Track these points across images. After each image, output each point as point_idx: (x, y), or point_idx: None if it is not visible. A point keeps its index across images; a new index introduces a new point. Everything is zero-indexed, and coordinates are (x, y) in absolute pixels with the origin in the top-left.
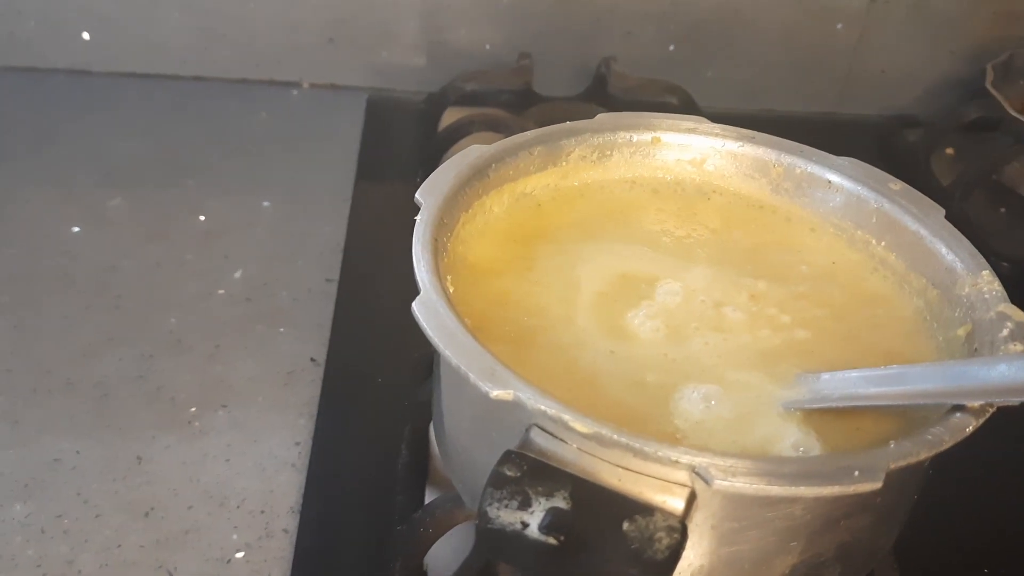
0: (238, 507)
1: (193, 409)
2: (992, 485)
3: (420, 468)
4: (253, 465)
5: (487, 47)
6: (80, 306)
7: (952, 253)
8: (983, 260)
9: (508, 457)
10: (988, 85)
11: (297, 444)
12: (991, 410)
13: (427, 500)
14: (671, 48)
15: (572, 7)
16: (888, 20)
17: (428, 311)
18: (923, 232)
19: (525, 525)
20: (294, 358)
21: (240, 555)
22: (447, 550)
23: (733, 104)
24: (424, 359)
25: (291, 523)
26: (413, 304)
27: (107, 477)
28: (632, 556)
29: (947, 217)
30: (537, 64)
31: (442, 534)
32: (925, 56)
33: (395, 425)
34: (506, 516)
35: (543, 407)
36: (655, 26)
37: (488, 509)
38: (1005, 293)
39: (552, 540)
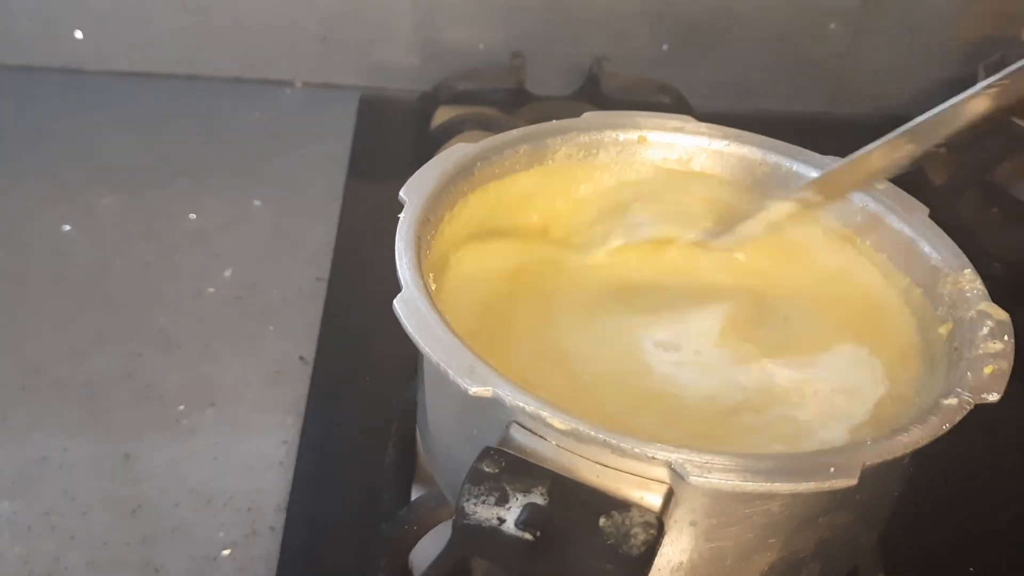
0: (225, 505)
1: (181, 407)
2: (980, 481)
3: (406, 466)
4: (240, 463)
5: (480, 46)
6: (70, 304)
7: (935, 252)
8: (965, 259)
9: (487, 453)
10: None
11: (285, 442)
12: (968, 408)
13: (413, 498)
14: (664, 48)
15: (565, 6)
16: (881, 20)
17: (409, 308)
18: (907, 231)
19: (501, 521)
20: (283, 356)
21: (227, 553)
22: (432, 548)
23: (726, 104)
24: (411, 358)
25: (278, 521)
26: (394, 301)
27: (94, 475)
28: (608, 551)
29: (940, 217)
30: (530, 63)
31: (427, 531)
32: (918, 56)
33: (383, 423)
34: (483, 512)
35: (521, 404)
36: (648, 26)
37: (465, 505)
38: (986, 292)
39: (528, 536)
